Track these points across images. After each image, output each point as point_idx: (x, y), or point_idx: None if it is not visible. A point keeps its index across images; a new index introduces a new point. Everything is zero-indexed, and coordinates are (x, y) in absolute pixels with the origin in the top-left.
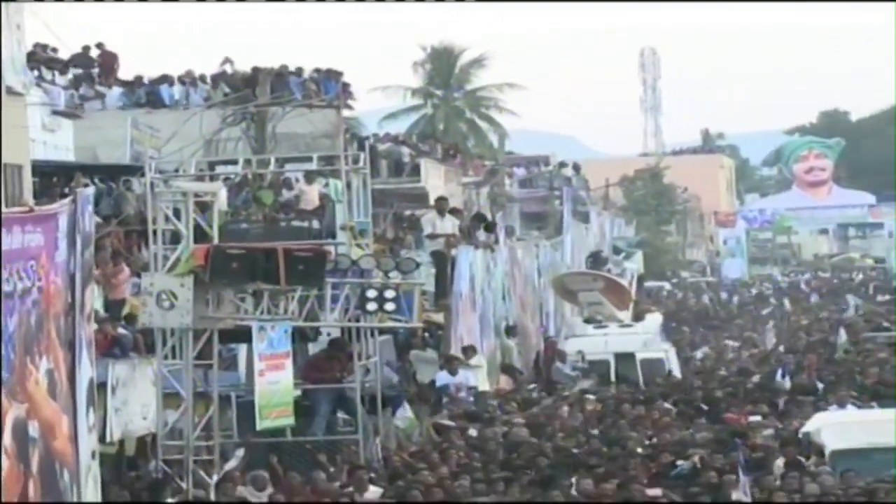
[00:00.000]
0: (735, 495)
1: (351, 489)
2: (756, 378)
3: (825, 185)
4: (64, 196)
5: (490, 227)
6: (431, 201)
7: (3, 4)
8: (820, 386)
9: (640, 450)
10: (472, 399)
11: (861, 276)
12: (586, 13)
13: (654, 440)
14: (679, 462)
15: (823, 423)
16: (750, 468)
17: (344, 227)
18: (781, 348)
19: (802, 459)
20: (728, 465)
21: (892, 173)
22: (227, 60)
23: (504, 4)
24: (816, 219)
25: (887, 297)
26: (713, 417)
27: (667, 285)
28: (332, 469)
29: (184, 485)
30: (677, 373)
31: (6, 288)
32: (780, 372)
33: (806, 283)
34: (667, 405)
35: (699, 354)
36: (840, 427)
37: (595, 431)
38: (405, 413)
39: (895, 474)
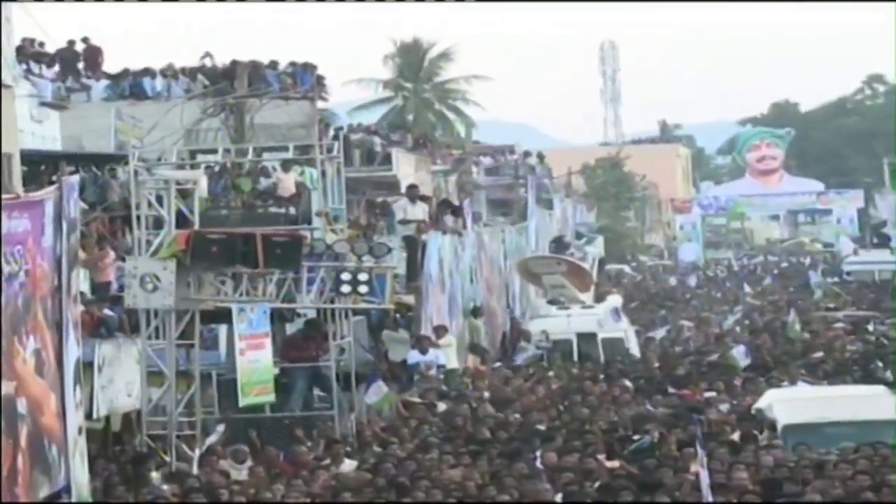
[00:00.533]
0: (693, 468)
1: (328, 461)
2: (714, 356)
3: (776, 173)
4: (51, 183)
5: (458, 213)
6: (402, 189)
7: (3, 5)
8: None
9: (600, 424)
10: (441, 377)
11: (810, 259)
12: (549, 10)
13: (614, 415)
14: (637, 436)
15: (775, 399)
16: (706, 442)
17: (319, 213)
18: (738, 328)
19: (756, 433)
20: (686, 439)
21: (840, 162)
22: (206, 54)
23: (471, 4)
24: (768, 205)
25: (836, 279)
26: (671, 394)
27: (626, 268)
28: (308, 443)
29: (167, 458)
30: (636, 351)
31: None
32: (743, 350)
33: (758, 266)
34: (626, 382)
35: (658, 334)
36: (791, 403)
37: (560, 407)
38: (380, 389)
39: (844, 447)
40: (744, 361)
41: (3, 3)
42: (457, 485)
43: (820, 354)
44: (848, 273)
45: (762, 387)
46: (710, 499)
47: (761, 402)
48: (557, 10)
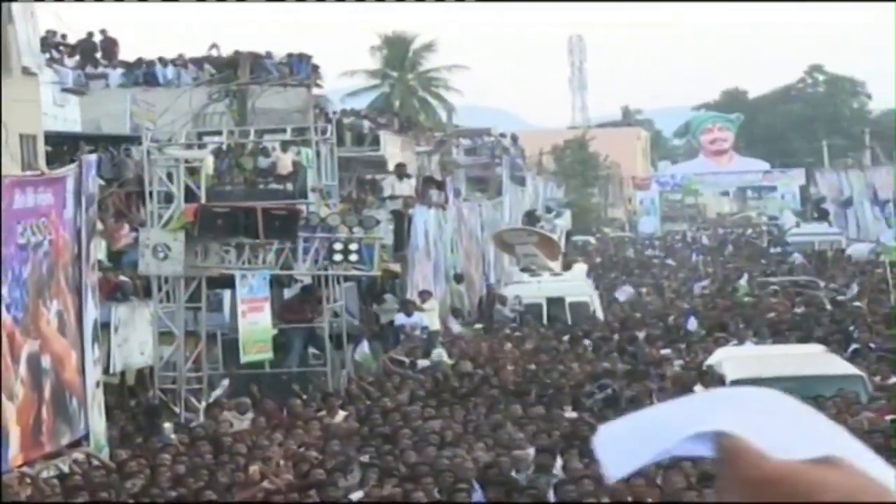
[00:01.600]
0: None
1: (323, 413)
2: (671, 319)
3: (727, 153)
4: (72, 162)
5: (440, 188)
6: (390, 167)
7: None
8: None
9: (567, 380)
10: (425, 337)
11: (751, 230)
12: (522, 6)
13: (578, 372)
14: (598, 390)
15: (724, 357)
16: (662, 396)
17: (314, 189)
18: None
19: (703, 389)
20: (641, 393)
21: (784, 144)
22: (213, 46)
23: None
24: (719, 183)
25: (779, 248)
26: (630, 352)
27: (591, 239)
28: (304, 396)
29: (177, 410)
30: (600, 314)
31: (20, 241)
32: (690, 318)
33: (709, 237)
34: (586, 342)
35: (621, 296)
36: (739, 360)
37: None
38: (363, 349)
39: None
40: (692, 327)
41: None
42: (437, 434)
43: (772, 315)
44: (793, 243)
45: (712, 346)
46: None
47: (712, 360)
48: (530, 6)
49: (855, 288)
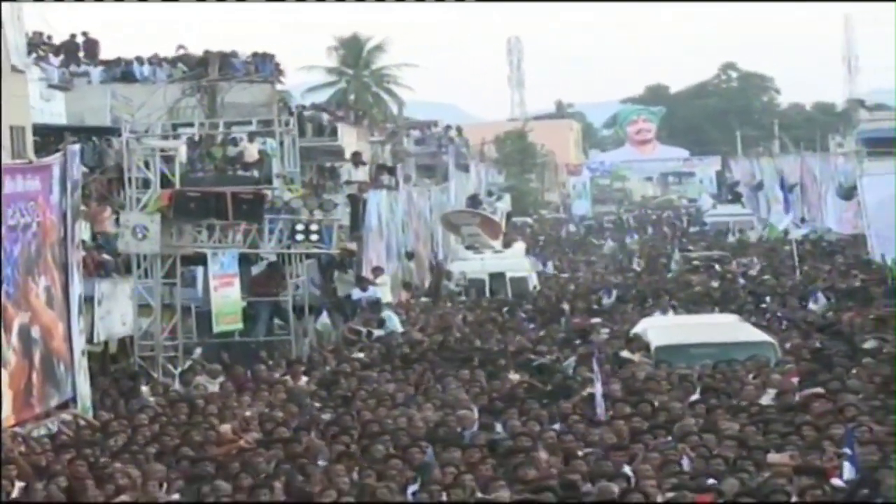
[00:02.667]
0: (591, 387)
1: (287, 377)
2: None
3: (650, 142)
4: (57, 152)
5: (393, 173)
6: (346, 156)
7: (4, 4)
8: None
9: (509, 347)
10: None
11: (670, 212)
12: (466, 8)
13: (520, 340)
14: (536, 357)
15: (649, 326)
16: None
17: (278, 175)
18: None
19: (630, 354)
20: (577, 358)
21: (701, 134)
22: (180, 47)
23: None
24: (644, 169)
25: (697, 228)
26: (564, 322)
27: (529, 220)
28: (270, 362)
29: (155, 375)
30: (537, 286)
31: (10, 222)
32: (610, 292)
33: (635, 218)
34: (521, 313)
35: (550, 269)
36: (662, 328)
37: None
38: (323, 320)
39: (705, 364)
40: (608, 301)
41: (14, 3)
42: (390, 396)
43: (698, 289)
44: (710, 223)
45: (636, 316)
46: (602, 404)
47: (637, 328)
48: (473, 8)
49: (756, 263)
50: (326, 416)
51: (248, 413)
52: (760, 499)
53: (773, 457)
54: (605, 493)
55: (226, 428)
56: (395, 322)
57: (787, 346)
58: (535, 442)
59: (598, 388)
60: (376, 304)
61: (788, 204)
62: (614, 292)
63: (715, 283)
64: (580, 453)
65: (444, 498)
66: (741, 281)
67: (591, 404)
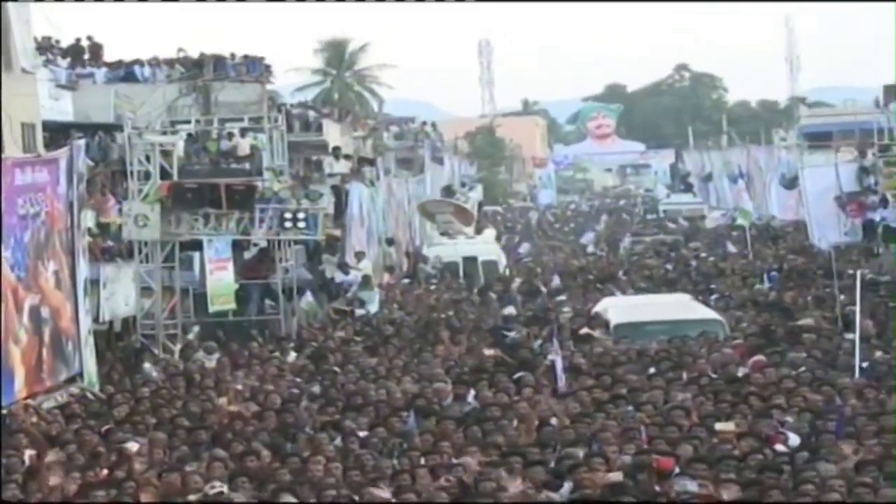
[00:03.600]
0: (551, 356)
1: (277, 353)
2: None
3: (609, 137)
4: (65, 146)
5: (373, 165)
6: (330, 150)
7: (13, 6)
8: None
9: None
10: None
11: (623, 201)
12: (442, 11)
13: (489, 317)
14: (509, 333)
15: (609, 305)
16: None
17: (268, 168)
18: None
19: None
20: (545, 335)
21: (656, 129)
22: (180, 50)
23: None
24: (603, 161)
25: (653, 215)
26: (530, 301)
27: (499, 209)
28: (261, 339)
29: (156, 351)
30: (506, 271)
31: (21, 212)
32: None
33: (597, 206)
34: (492, 294)
35: (522, 251)
36: (621, 307)
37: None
38: (308, 300)
39: (661, 340)
40: (556, 283)
41: (23, 7)
42: (372, 369)
43: (653, 272)
44: (665, 211)
45: (597, 295)
46: (563, 377)
47: (598, 307)
48: (447, 12)
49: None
50: (315, 389)
51: (239, 387)
52: (711, 463)
53: (720, 425)
54: (570, 457)
55: (222, 400)
56: (374, 301)
57: (734, 323)
58: (505, 411)
59: (558, 361)
60: (366, 281)
61: (747, 193)
62: (556, 276)
63: (669, 266)
64: (553, 420)
65: (423, 462)
66: (693, 263)
67: (554, 376)
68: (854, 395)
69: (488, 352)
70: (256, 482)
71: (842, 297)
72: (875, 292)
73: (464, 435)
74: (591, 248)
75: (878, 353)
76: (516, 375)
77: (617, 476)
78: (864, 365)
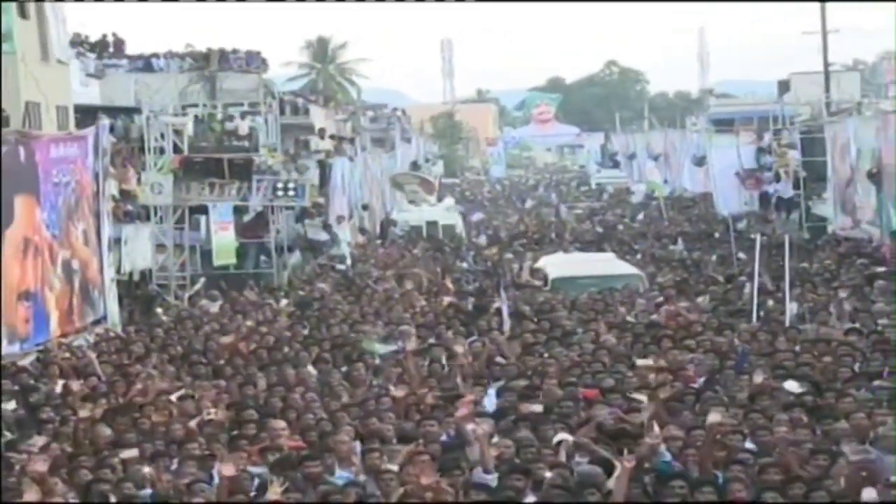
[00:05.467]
0: (497, 303)
1: (271, 301)
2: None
3: (550, 122)
4: (92, 126)
5: (352, 143)
6: (316, 131)
7: (50, 6)
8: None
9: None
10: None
11: (561, 175)
12: (409, 13)
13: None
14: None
15: (548, 262)
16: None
17: (263, 145)
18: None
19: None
20: (494, 287)
21: (589, 115)
22: (188, 45)
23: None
24: (545, 142)
25: (586, 187)
26: (481, 257)
27: (457, 181)
28: (256, 289)
29: (169, 298)
30: (463, 234)
31: (55, 180)
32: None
33: (537, 180)
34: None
35: (474, 218)
36: (558, 263)
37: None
38: (296, 256)
39: (591, 291)
40: (483, 241)
41: (59, 7)
42: (345, 314)
43: (581, 232)
44: (596, 184)
45: (540, 253)
46: (509, 322)
47: (539, 263)
48: (415, 14)
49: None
50: (305, 331)
51: (241, 328)
52: (629, 393)
53: (640, 361)
54: (515, 389)
55: (224, 340)
56: (345, 252)
57: (652, 278)
58: (475, 359)
59: (505, 308)
60: (334, 238)
61: (665, 169)
62: (483, 236)
63: (598, 229)
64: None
65: (392, 389)
66: (618, 227)
67: (501, 320)
68: (750, 337)
69: (445, 300)
70: (255, 408)
71: (741, 255)
72: (769, 252)
73: (428, 371)
74: (532, 213)
75: (771, 302)
76: (469, 320)
77: (539, 406)
78: (761, 313)
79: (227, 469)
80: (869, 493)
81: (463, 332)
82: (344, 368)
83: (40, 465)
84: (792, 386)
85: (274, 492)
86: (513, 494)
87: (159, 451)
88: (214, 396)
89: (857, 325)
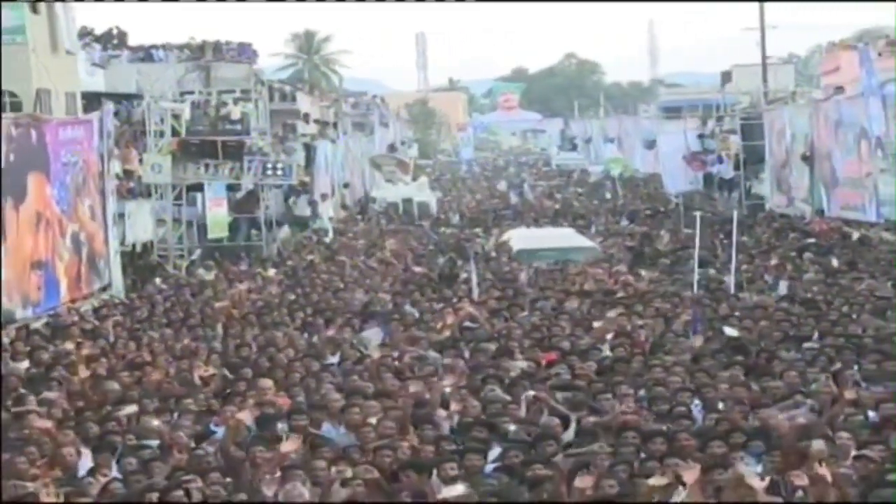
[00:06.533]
0: (467, 273)
1: (261, 270)
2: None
3: (514, 108)
4: (97, 111)
5: (335, 127)
6: (302, 116)
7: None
8: None
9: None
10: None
11: (525, 157)
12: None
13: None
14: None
15: (513, 235)
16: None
17: (254, 129)
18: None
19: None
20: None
21: (550, 103)
22: (191, 38)
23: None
24: (510, 127)
25: (547, 168)
26: (454, 231)
27: (430, 162)
28: (248, 261)
29: (169, 267)
30: (435, 209)
31: (63, 160)
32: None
33: (504, 162)
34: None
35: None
36: (521, 237)
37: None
38: (285, 230)
39: (550, 262)
40: (456, 220)
41: (69, 5)
42: (327, 282)
43: (541, 208)
44: (556, 165)
45: (506, 227)
46: (477, 289)
47: (504, 237)
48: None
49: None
50: (291, 297)
51: (234, 294)
52: (584, 354)
53: (596, 324)
54: (485, 351)
55: (218, 304)
56: (328, 227)
57: (605, 249)
58: (433, 314)
59: (473, 277)
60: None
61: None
62: (457, 215)
63: (558, 206)
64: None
65: (371, 350)
66: (576, 204)
67: (470, 288)
68: (694, 303)
69: (417, 269)
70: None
71: (686, 230)
72: (711, 227)
73: (401, 327)
74: (501, 192)
75: (712, 271)
76: (440, 287)
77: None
78: (703, 281)
79: (243, 415)
80: (818, 445)
81: (435, 298)
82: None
83: (46, 422)
84: (730, 331)
85: (288, 447)
86: (476, 446)
87: (160, 407)
88: (208, 356)
89: (789, 292)
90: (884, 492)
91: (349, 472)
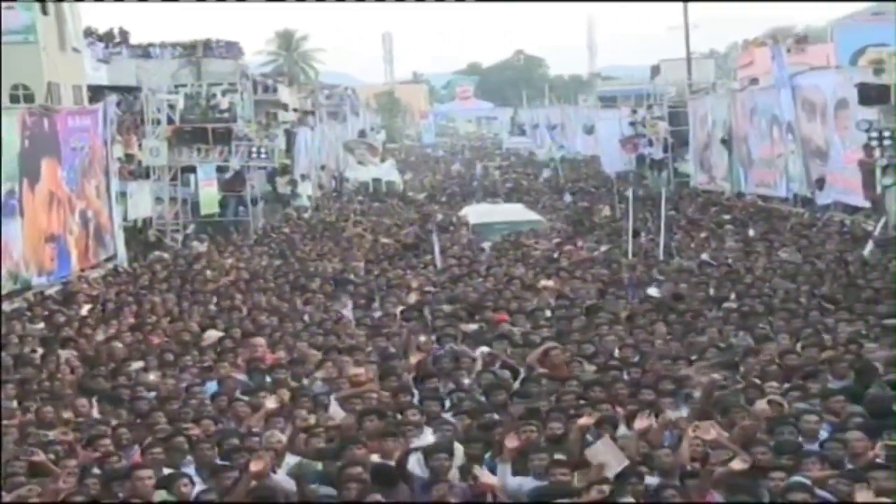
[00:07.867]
0: (430, 244)
1: (250, 243)
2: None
3: (470, 99)
4: (101, 102)
5: (312, 115)
6: (283, 105)
7: (67, 4)
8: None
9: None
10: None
11: (479, 142)
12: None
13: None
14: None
15: (469, 211)
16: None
17: (240, 117)
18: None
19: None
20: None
21: (502, 94)
22: (191, 40)
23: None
24: (466, 115)
25: (499, 151)
26: (420, 208)
27: (396, 146)
28: (237, 235)
29: (167, 241)
30: (401, 188)
31: (73, 146)
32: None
33: (461, 146)
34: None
35: (406, 177)
36: (477, 212)
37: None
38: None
39: (504, 235)
40: (420, 196)
41: (75, 5)
42: (306, 252)
43: (494, 186)
44: (507, 149)
45: (463, 203)
46: (440, 258)
47: (461, 212)
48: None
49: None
50: (277, 263)
51: (225, 263)
52: (531, 314)
53: (543, 282)
54: (455, 314)
55: (210, 273)
56: (307, 204)
57: (552, 224)
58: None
59: (436, 247)
60: (293, 186)
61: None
62: (421, 193)
63: (509, 185)
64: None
65: (345, 311)
66: (524, 183)
67: (433, 257)
68: (628, 269)
69: (385, 240)
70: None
71: (621, 205)
72: (643, 202)
73: (379, 302)
74: (458, 171)
75: (644, 240)
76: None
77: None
78: (635, 250)
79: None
80: (761, 404)
81: (401, 266)
82: (307, 295)
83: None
84: (653, 291)
85: (271, 402)
86: (432, 394)
87: (162, 363)
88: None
89: (710, 259)
90: (786, 428)
91: (328, 420)
